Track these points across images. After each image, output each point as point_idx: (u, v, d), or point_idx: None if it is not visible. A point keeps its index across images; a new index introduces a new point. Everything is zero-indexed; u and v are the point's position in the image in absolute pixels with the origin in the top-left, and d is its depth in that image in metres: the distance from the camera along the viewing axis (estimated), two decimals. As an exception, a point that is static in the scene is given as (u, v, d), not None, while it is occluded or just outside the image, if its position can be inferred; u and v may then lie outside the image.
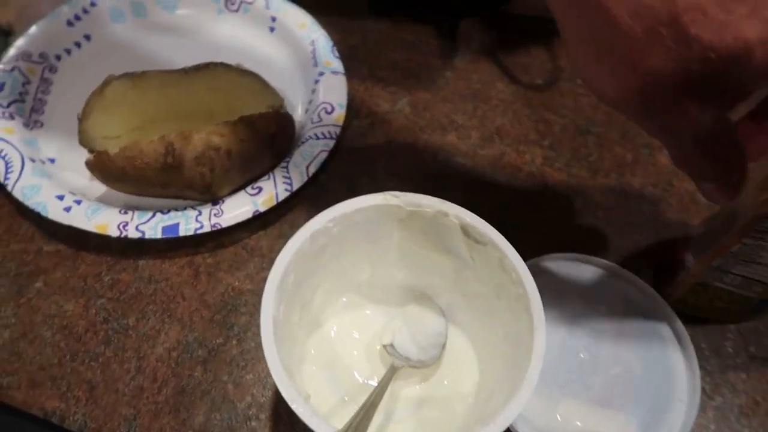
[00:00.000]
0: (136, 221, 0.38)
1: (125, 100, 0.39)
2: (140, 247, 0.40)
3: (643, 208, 0.44)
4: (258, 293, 0.39)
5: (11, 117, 0.43)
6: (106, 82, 0.39)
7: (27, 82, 0.45)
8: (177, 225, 0.38)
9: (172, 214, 0.39)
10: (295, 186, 0.41)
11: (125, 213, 0.38)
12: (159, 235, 0.38)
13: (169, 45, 0.51)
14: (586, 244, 0.43)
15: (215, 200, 0.40)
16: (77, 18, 0.49)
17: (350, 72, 0.50)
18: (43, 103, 0.46)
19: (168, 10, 0.52)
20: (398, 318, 0.37)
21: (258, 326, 0.35)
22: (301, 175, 0.42)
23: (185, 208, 0.40)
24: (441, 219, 0.33)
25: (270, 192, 0.41)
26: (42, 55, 0.47)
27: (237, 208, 0.40)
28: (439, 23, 0.55)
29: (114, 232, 0.37)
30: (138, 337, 0.37)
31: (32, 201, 0.38)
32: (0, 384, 0.34)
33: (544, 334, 0.29)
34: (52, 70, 0.48)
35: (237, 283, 0.39)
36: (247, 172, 0.41)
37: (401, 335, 0.36)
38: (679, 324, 0.37)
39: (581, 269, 0.40)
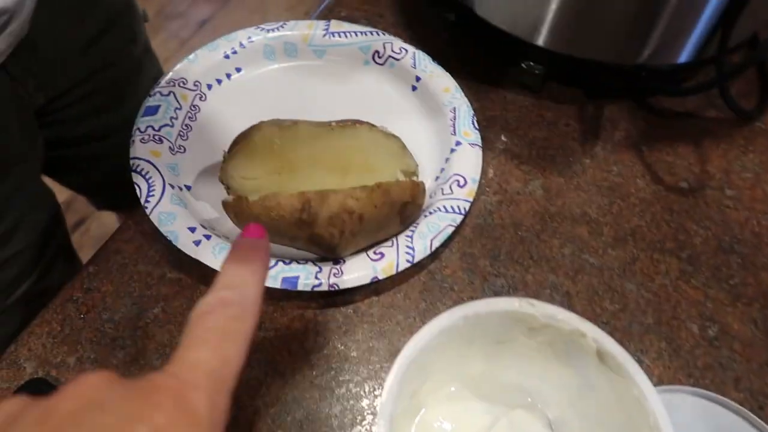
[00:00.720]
0: None
1: (270, 146, 0.40)
2: (255, 290, 0.40)
3: (789, 352, 0.40)
4: (362, 362, 0.38)
5: (160, 140, 0.45)
6: (256, 128, 0.40)
7: (178, 108, 0.47)
8: (297, 278, 0.38)
9: (294, 266, 0.39)
10: (417, 258, 0.40)
11: None
12: (278, 285, 0.38)
13: (311, 87, 0.52)
14: (717, 379, 0.39)
15: (337, 259, 0.40)
16: (234, 52, 0.51)
17: (485, 143, 0.49)
18: (189, 129, 0.48)
19: (317, 55, 0.53)
20: (503, 423, 0.35)
21: (357, 398, 0.34)
22: (425, 248, 0.41)
23: (306, 261, 0.40)
24: (575, 337, 0.31)
25: (391, 260, 0.40)
26: (196, 83, 0.49)
27: (356, 271, 0.39)
28: (584, 105, 0.53)
29: None
30: (240, 385, 0.36)
31: (166, 228, 0.39)
32: (107, 406, 0.35)
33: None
34: (203, 98, 0.50)
35: (343, 348, 0.39)
36: (372, 237, 0.40)
37: (504, 444, 0.34)
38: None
39: (710, 410, 0.37)
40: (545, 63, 0.51)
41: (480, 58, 0.55)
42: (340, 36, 0.53)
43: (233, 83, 0.51)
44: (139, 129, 0.45)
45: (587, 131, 0.51)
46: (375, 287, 0.41)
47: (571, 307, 0.41)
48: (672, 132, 0.52)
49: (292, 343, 0.38)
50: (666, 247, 0.45)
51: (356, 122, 0.42)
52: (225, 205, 0.38)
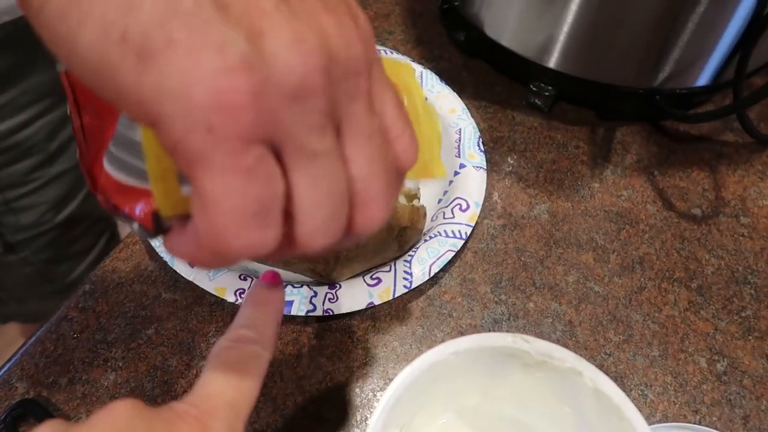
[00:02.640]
0: None
1: None
2: (251, 312, 0.39)
3: (803, 392, 0.38)
4: (354, 389, 0.37)
5: None
6: None
7: None
8: (291, 303, 0.38)
9: (288, 290, 0.38)
10: (415, 284, 0.39)
11: (244, 279, 0.38)
12: None
13: None
14: (724, 416, 0.38)
15: (331, 284, 0.39)
16: None
17: (491, 165, 0.48)
18: None
19: None
20: (498, 459, 0.34)
21: (349, 428, 0.33)
22: (423, 274, 0.40)
23: (302, 285, 0.39)
24: (572, 377, 0.30)
25: (388, 285, 0.39)
26: None
27: (352, 297, 0.38)
28: (595, 127, 0.52)
29: (230, 298, 0.37)
30: (230, 411, 0.36)
31: (162, 249, 0.39)
32: (95, 429, 0.35)
33: None
34: None
35: (336, 374, 0.38)
36: (368, 262, 0.39)
37: (498, 482, 0.33)
38: None
39: (716, 451, 0.35)
40: (556, 85, 0.50)
41: (489, 78, 0.54)
42: None
43: None
44: None
45: (597, 154, 0.50)
46: (371, 312, 0.40)
47: (573, 336, 0.40)
48: (686, 156, 0.50)
49: (285, 369, 0.38)
50: (675, 277, 0.43)
51: None
52: None
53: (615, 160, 0.50)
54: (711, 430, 0.36)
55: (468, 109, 0.49)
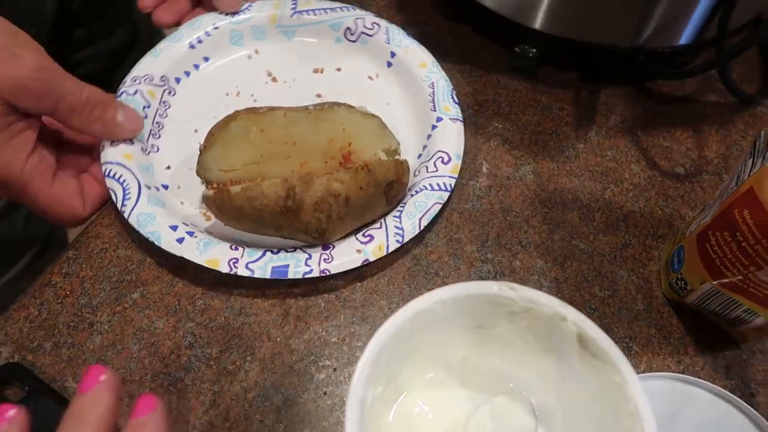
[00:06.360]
0: (246, 259, 0.37)
1: (248, 135, 0.39)
2: (235, 278, 0.39)
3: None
4: (342, 347, 0.37)
5: (131, 142, 0.43)
6: (232, 117, 0.39)
7: (147, 106, 0.45)
8: (287, 267, 0.37)
9: (282, 255, 0.38)
10: (407, 238, 0.40)
11: (236, 249, 0.38)
12: (268, 275, 0.37)
13: (284, 71, 0.50)
14: (707, 366, 0.38)
15: (325, 245, 0.39)
16: (199, 41, 0.49)
17: (476, 128, 0.48)
18: (161, 127, 0.46)
19: (287, 36, 0.51)
20: (485, 410, 0.34)
21: (336, 384, 0.33)
22: (413, 228, 0.40)
23: (295, 250, 0.39)
24: (557, 322, 0.30)
25: (381, 242, 0.39)
26: (163, 78, 0.47)
27: (347, 255, 0.38)
28: (579, 89, 0.52)
29: (224, 269, 0.37)
30: (218, 370, 0.36)
31: (147, 230, 0.38)
32: (82, 391, 0.35)
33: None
34: (171, 93, 0.48)
35: (324, 333, 0.38)
36: (359, 219, 0.39)
37: (487, 427, 0.33)
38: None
39: (699, 397, 0.36)
40: (540, 46, 0.50)
41: (473, 43, 0.54)
42: (308, 14, 0.51)
43: (202, 74, 0.49)
44: None
45: (582, 116, 0.50)
46: (358, 272, 0.40)
47: (559, 293, 0.41)
48: (670, 117, 0.51)
49: (272, 329, 0.38)
50: (660, 233, 0.44)
51: (334, 104, 0.41)
52: (206, 199, 0.37)
53: (599, 122, 0.50)
54: (694, 378, 0.36)
55: (454, 72, 0.49)
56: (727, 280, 0.35)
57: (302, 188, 0.36)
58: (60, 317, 0.37)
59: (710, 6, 0.46)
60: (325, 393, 0.36)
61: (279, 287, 0.39)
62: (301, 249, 0.39)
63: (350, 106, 0.41)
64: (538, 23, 0.49)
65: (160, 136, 0.45)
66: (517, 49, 0.50)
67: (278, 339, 0.37)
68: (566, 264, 0.42)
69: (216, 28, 0.49)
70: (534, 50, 0.50)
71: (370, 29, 0.50)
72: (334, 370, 0.37)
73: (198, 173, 0.38)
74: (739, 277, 0.35)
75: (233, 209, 0.36)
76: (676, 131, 0.50)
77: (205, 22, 0.49)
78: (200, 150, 0.38)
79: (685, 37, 0.48)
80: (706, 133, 0.50)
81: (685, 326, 0.40)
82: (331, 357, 0.37)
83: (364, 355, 0.28)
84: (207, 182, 0.38)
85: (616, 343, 0.28)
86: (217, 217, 0.38)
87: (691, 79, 0.53)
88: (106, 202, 0.42)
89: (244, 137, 0.38)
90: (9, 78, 0.34)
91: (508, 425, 0.34)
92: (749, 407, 0.35)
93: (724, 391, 0.36)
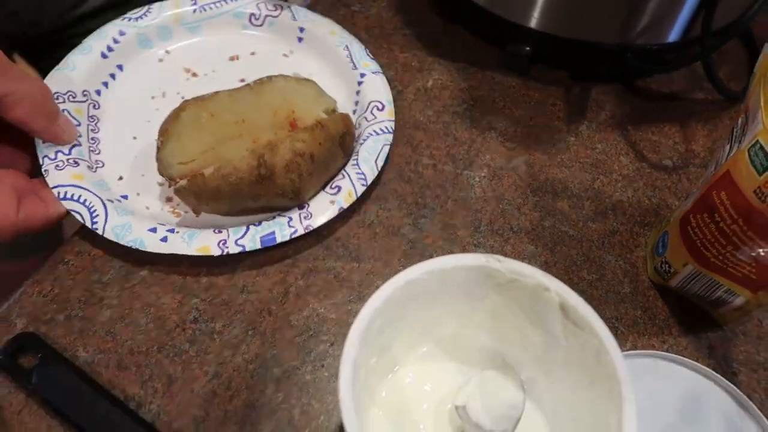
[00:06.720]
0: (233, 237, 0.39)
1: (199, 122, 0.40)
2: (238, 256, 0.41)
3: (764, 321, 0.41)
4: (340, 323, 0.39)
5: (76, 163, 0.42)
6: (181, 108, 0.40)
7: (78, 124, 0.44)
8: (273, 233, 0.40)
9: (265, 224, 0.40)
10: (369, 180, 0.44)
11: (219, 232, 0.40)
12: (258, 246, 0.39)
13: (199, 66, 0.51)
14: (691, 346, 0.40)
15: (301, 205, 0.42)
16: (110, 49, 0.49)
17: (471, 121, 0.50)
18: (97, 142, 0.45)
19: (193, 32, 0.52)
20: (475, 383, 0.36)
21: (334, 357, 0.35)
22: (372, 170, 0.44)
23: (274, 217, 0.41)
24: (540, 292, 0.32)
25: (349, 189, 0.43)
26: (85, 93, 0.47)
27: (323, 209, 0.42)
28: (570, 86, 0.54)
29: (216, 251, 0.39)
30: (221, 343, 0.38)
31: (127, 239, 0.39)
32: (93, 360, 0.37)
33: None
34: (96, 106, 0.47)
35: (322, 310, 0.40)
36: (325, 174, 0.43)
37: (476, 401, 0.35)
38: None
39: (682, 375, 0.37)
40: (532, 44, 0.52)
41: (468, 42, 0.56)
42: (210, 8, 0.52)
43: (120, 82, 0.49)
44: (48, 157, 0.42)
45: (573, 111, 0.52)
46: (355, 254, 0.42)
47: (548, 276, 0.42)
48: (658, 113, 0.53)
49: (273, 305, 0.40)
50: (647, 221, 0.46)
51: (270, 77, 0.43)
52: (180, 191, 0.39)
53: (590, 117, 0.52)
54: (678, 356, 0.38)
55: (450, 68, 0.51)
56: (707, 261, 0.37)
57: (271, 155, 0.39)
58: (72, 292, 0.39)
59: (695, 4, 0.48)
60: (322, 366, 0.37)
61: (279, 266, 0.41)
62: (279, 215, 0.42)
63: (286, 76, 0.44)
64: (529, 21, 0.51)
65: (99, 152, 0.45)
66: (510, 47, 0.53)
67: (279, 315, 0.39)
68: (556, 249, 0.44)
69: (123, 34, 0.49)
70: (527, 48, 0.52)
71: (274, 11, 0.53)
72: (332, 344, 0.38)
73: (160, 172, 0.40)
74: (719, 257, 0.36)
75: (210, 191, 0.38)
76: (664, 126, 0.52)
77: (111, 31, 0.49)
78: (158, 148, 0.40)
79: (672, 35, 0.51)
80: (693, 128, 0.52)
81: (669, 308, 0.42)
82: (329, 333, 0.39)
83: (358, 319, 0.29)
84: (169, 179, 0.40)
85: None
86: (192, 206, 0.40)
87: (679, 77, 0.55)
88: (45, 223, 0.39)
89: (195, 125, 0.40)
90: None
91: (497, 398, 0.35)
92: (731, 385, 0.37)
93: (706, 368, 0.37)
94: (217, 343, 0.38)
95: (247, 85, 0.43)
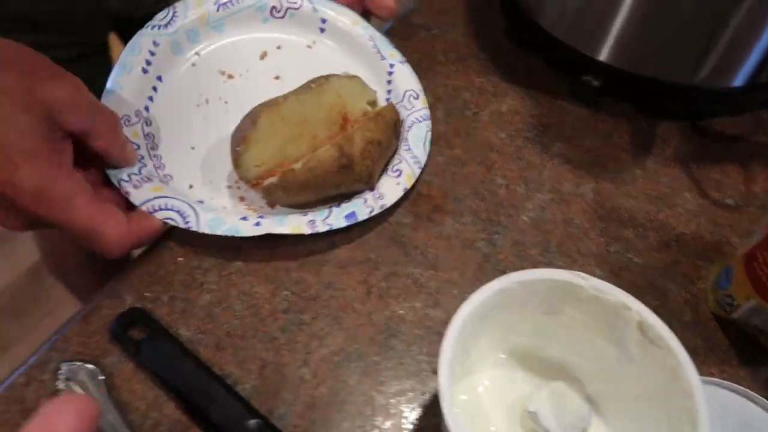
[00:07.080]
0: (320, 217, 0.43)
1: (273, 128, 0.43)
2: (324, 255, 0.44)
3: (821, 359, 0.42)
4: (417, 326, 0.42)
5: (149, 179, 0.43)
6: (255, 115, 0.43)
7: (137, 147, 0.45)
8: (354, 213, 0.44)
9: (344, 205, 0.44)
10: (422, 162, 0.48)
11: (305, 214, 0.43)
12: (343, 224, 0.43)
13: (231, 64, 0.52)
14: (749, 377, 0.42)
15: (371, 188, 0.46)
16: (148, 63, 0.49)
17: (541, 146, 0.53)
18: (159, 158, 0.46)
19: (218, 30, 0.53)
20: (544, 393, 0.38)
21: (412, 357, 0.38)
22: (423, 153, 0.49)
23: (350, 199, 0.45)
24: (620, 310, 0.34)
25: (408, 172, 0.47)
26: (137, 113, 0.47)
27: (391, 190, 0.46)
28: (637, 121, 0.56)
29: (306, 230, 0.42)
30: (309, 334, 0.41)
31: (222, 229, 0.41)
32: (194, 338, 0.40)
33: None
34: (148, 123, 0.47)
35: (401, 312, 0.43)
36: (384, 158, 0.47)
37: (546, 408, 0.37)
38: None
39: (740, 405, 0.39)
40: (603, 77, 0.55)
41: (541, 70, 0.59)
42: (233, 4, 0.53)
43: (162, 94, 0.49)
44: (123, 180, 0.42)
45: (639, 145, 0.55)
46: (433, 263, 0.45)
47: (613, 299, 0.44)
48: (722, 153, 0.55)
49: (356, 303, 0.43)
50: (708, 255, 0.48)
51: (327, 77, 0.46)
52: (270, 188, 0.42)
53: (656, 152, 0.54)
54: (737, 386, 0.40)
55: (522, 94, 0.54)
56: None
57: (348, 146, 0.43)
58: (175, 276, 0.42)
59: (764, 51, 0.50)
60: (401, 363, 0.40)
61: (363, 267, 0.44)
62: (355, 198, 0.46)
63: (338, 75, 0.47)
64: (602, 55, 0.54)
65: (164, 167, 0.46)
66: (583, 78, 0.55)
67: (362, 313, 0.42)
68: (621, 274, 0.46)
69: (157, 44, 0.49)
70: (597, 80, 0.55)
71: (295, 3, 0.54)
72: (409, 345, 0.41)
73: (242, 178, 0.43)
74: None
75: (298, 184, 0.42)
76: (727, 166, 0.54)
77: (145, 43, 0.49)
78: (237, 155, 0.42)
79: (739, 80, 0.53)
80: (755, 170, 0.54)
81: (729, 340, 0.43)
82: (406, 333, 0.42)
83: (454, 320, 0.32)
84: (246, 181, 0.43)
85: (671, 335, 0.32)
86: (282, 201, 0.44)
87: (743, 120, 0.57)
88: (154, 234, 0.42)
89: (271, 130, 0.43)
90: (52, 96, 0.36)
91: (565, 409, 0.38)
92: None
93: (764, 400, 0.39)
94: (305, 334, 0.41)
95: (309, 86, 0.46)
